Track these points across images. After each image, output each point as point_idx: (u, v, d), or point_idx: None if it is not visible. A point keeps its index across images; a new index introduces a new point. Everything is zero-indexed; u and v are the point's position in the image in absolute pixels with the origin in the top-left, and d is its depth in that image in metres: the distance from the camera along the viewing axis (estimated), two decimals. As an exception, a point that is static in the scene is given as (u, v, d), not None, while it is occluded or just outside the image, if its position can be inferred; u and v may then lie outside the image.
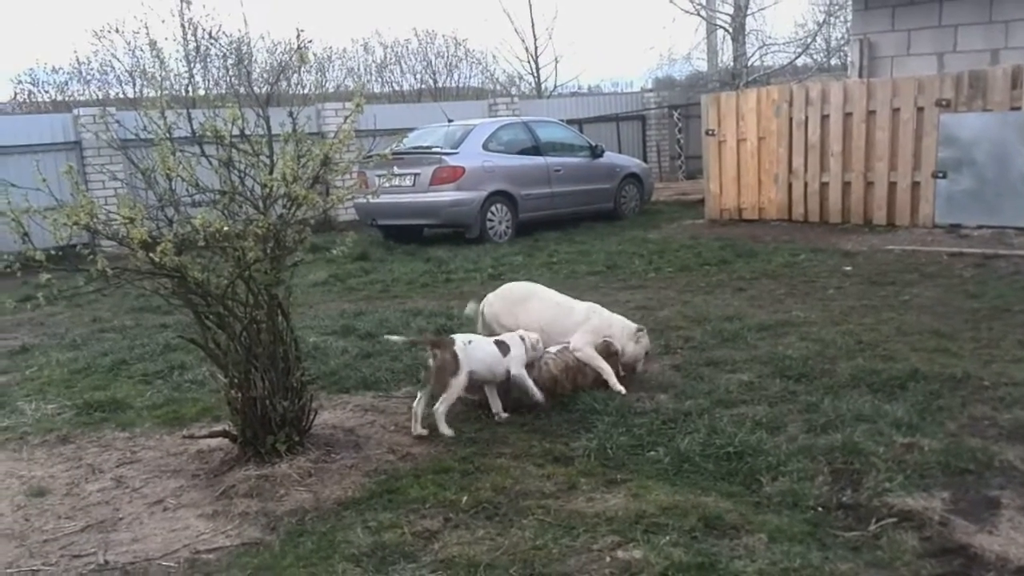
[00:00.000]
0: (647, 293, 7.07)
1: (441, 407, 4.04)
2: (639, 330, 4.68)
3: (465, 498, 3.31)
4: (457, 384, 4.06)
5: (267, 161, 3.75)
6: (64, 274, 3.44)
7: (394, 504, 3.34)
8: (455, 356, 4.06)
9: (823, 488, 3.13)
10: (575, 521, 3.04)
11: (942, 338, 5.04)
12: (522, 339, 4.34)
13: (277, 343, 3.88)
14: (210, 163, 3.69)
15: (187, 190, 3.68)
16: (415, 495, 3.39)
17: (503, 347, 4.28)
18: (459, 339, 4.17)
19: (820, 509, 2.99)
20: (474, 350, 4.16)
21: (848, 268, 7.61)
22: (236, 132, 3.73)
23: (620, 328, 4.70)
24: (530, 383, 4.25)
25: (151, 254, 3.34)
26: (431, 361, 4.10)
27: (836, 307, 6.11)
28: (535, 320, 4.75)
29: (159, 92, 3.56)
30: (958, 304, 6.01)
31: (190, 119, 3.72)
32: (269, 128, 3.86)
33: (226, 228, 3.52)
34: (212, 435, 4.05)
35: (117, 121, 11.73)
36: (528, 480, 3.46)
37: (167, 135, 3.63)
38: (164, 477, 3.87)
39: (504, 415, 4.24)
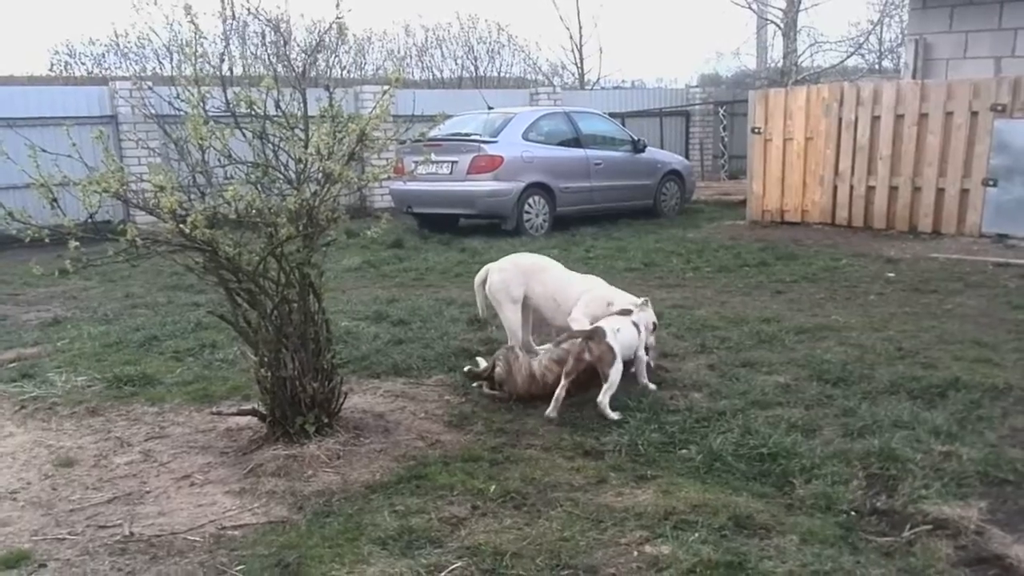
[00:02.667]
0: (684, 292, 7.03)
1: (605, 398, 4.07)
2: (644, 302, 4.59)
3: (493, 487, 3.33)
4: (616, 372, 4.10)
5: (302, 135, 3.79)
6: (97, 247, 3.47)
7: (422, 490, 3.36)
8: (611, 348, 4.11)
9: (857, 493, 3.10)
10: (603, 515, 3.05)
11: (984, 348, 4.95)
12: (635, 324, 4.41)
13: (308, 324, 3.92)
14: (244, 135, 3.72)
15: (219, 161, 3.71)
16: (443, 482, 3.42)
17: (637, 329, 4.38)
18: (608, 328, 4.21)
19: (853, 513, 2.96)
20: (623, 336, 4.23)
21: (891, 274, 7.50)
22: (271, 105, 3.77)
23: (621, 301, 4.67)
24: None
25: (182, 225, 3.38)
26: (586, 355, 4.13)
27: (877, 313, 6.02)
28: (549, 291, 4.80)
29: (194, 60, 3.58)
30: (1002, 315, 5.90)
31: (225, 90, 3.75)
32: (305, 102, 3.88)
33: (258, 202, 3.57)
34: (241, 413, 4.11)
35: (151, 89, 11.81)
36: (557, 472, 3.47)
37: (200, 104, 3.65)
38: (192, 453, 3.92)
39: (652, 386, 4.41)
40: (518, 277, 4.94)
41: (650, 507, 3.07)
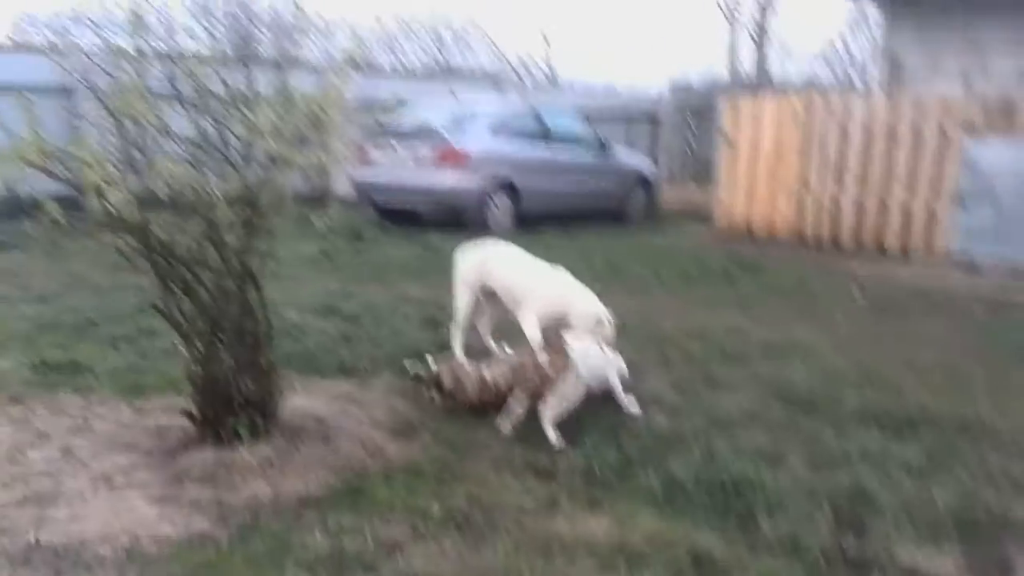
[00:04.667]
0: (647, 301, 6.85)
1: (549, 412, 3.80)
2: (603, 322, 4.29)
3: (436, 507, 3.10)
4: (574, 391, 3.85)
5: (249, 114, 3.51)
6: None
7: (359, 506, 3.12)
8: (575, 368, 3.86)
9: (825, 533, 2.92)
10: (552, 544, 2.83)
11: (952, 376, 4.85)
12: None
13: (247, 317, 3.66)
14: (185, 110, 3.42)
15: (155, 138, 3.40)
16: (383, 498, 3.19)
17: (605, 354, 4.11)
18: (577, 348, 3.95)
19: (821, 557, 2.78)
20: (592, 361, 3.97)
21: (857, 293, 7.42)
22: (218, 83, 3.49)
23: (580, 311, 4.39)
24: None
25: (108, 203, 3.10)
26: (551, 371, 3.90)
27: (843, 333, 5.91)
28: (508, 283, 4.69)
29: (135, 30, 3.29)
30: (969, 341, 5.82)
31: (179, 66, 3.46)
32: (252, 80, 3.62)
33: (193, 183, 3.28)
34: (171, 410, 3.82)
35: (92, 60, 11.28)
36: (506, 493, 3.25)
37: (137, 76, 3.35)
38: (116, 451, 3.62)
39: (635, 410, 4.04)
40: (478, 263, 4.83)
41: (603, 537, 2.87)
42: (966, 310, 6.90)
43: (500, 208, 10.73)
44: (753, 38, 19.85)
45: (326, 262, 8.54)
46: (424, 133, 10.67)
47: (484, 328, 5.08)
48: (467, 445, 3.73)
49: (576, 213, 11.60)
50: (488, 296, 4.92)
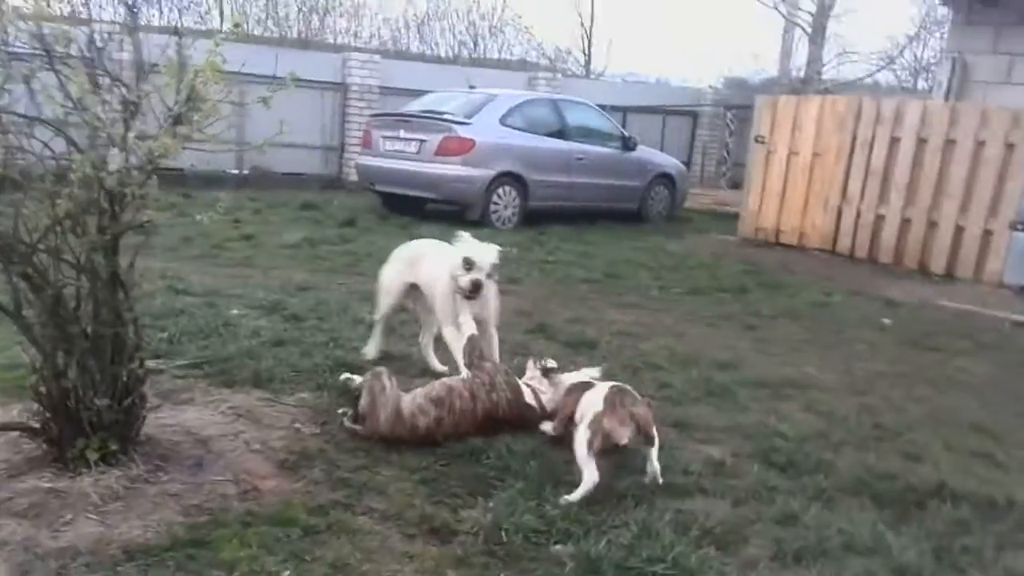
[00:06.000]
0: (640, 315, 6.13)
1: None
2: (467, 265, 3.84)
3: (287, 575, 2.48)
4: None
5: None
6: None
7: (194, 565, 2.53)
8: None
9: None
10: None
11: (986, 436, 4.04)
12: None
13: (107, 323, 3.08)
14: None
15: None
16: (227, 557, 2.59)
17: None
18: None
19: None
20: None
21: (887, 321, 6.60)
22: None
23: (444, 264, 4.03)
24: None
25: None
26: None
27: (861, 369, 5.11)
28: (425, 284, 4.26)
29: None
30: (1014, 388, 4.99)
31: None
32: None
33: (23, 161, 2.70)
34: (6, 427, 3.25)
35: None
36: (384, 560, 2.63)
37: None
38: None
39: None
40: (401, 269, 4.45)
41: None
42: (1012, 348, 6.05)
43: (505, 202, 10.11)
44: (809, 36, 18.81)
45: (307, 249, 8.08)
46: (431, 120, 10.15)
47: (426, 341, 4.48)
48: (361, 488, 3.11)
49: (591, 211, 10.93)
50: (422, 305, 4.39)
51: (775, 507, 3.04)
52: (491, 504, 2.96)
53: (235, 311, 5.30)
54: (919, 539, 2.87)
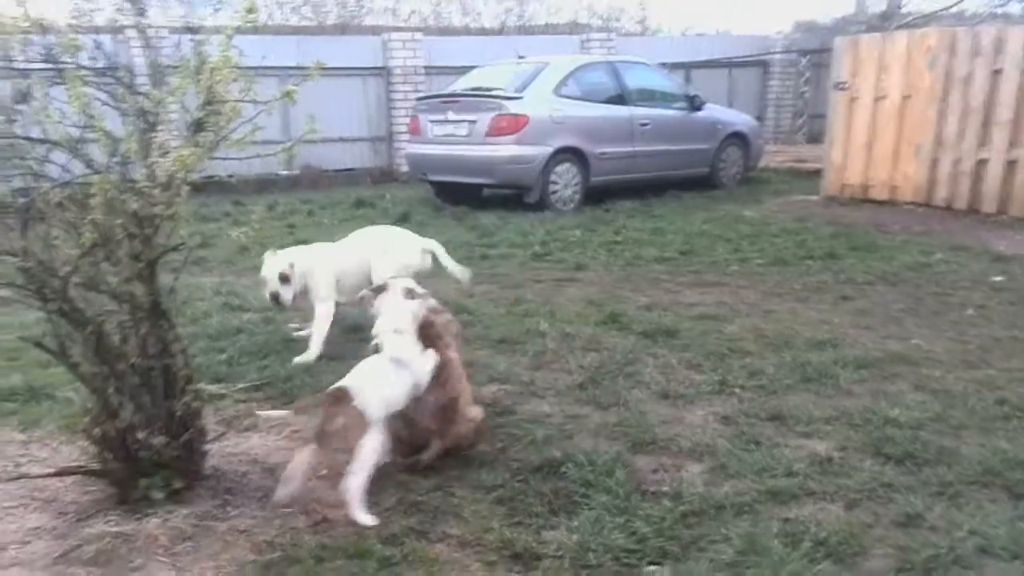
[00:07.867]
0: (721, 294, 5.93)
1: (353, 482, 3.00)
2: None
3: (365, 614, 2.45)
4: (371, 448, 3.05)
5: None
6: None
7: (266, 607, 2.50)
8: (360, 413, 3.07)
9: None
10: None
11: None
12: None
13: (156, 357, 3.07)
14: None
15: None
16: (299, 595, 2.55)
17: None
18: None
19: None
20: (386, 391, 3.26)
21: (999, 278, 6.26)
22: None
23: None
24: None
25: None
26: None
27: (974, 338, 4.83)
28: None
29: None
30: None
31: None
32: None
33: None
34: (63, 472, 3.28)
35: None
36: (467, 590, 2.55)
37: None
38: (28, 509, 3.17)
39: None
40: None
41: None
42: None
43: (565, 181, 9.90)
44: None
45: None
46: (479, 98, 9.96)
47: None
48: (436, 512, 3.04)
49: (658, 181, 10.66)
50: None
51: (894, 508, 2.85)
52: (575, 523, 2.86)
53: (292, 325, 5.31)
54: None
